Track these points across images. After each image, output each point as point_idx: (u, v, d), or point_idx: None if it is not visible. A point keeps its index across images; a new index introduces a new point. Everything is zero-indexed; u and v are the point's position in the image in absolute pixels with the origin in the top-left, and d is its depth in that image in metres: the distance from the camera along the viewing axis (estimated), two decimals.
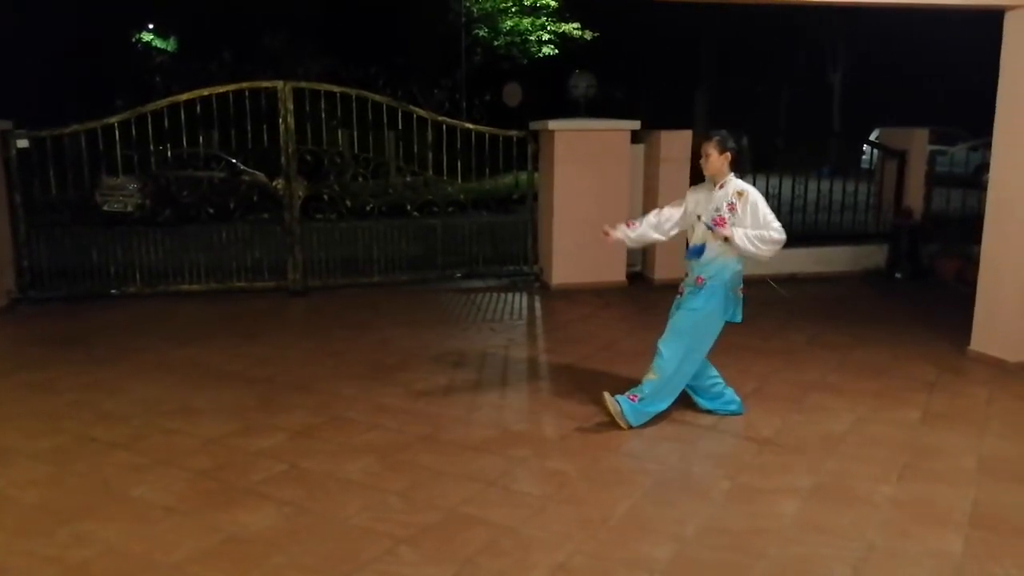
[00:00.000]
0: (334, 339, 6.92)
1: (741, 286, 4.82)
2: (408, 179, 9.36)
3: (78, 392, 5.48)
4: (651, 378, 4.76)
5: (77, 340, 6.85)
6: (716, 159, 4.71)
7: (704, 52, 27.76)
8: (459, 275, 9.21)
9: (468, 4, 24.46)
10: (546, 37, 24.83)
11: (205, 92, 8.18)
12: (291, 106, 8.36)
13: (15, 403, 5.31)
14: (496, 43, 25.13)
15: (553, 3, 24.14)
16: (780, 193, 9.92)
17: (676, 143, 9.11)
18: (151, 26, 25.94)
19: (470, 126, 9.06)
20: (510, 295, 8.75)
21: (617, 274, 9.03)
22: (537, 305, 8.42)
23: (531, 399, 5.48)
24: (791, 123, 28.78)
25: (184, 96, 8.17)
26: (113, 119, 8.09)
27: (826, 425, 4.94)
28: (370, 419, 4.99)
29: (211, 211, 8.90)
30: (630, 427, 4.74)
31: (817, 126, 27.93)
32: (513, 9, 24.79)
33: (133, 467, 4.28)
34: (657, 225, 4.99)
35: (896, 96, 25.95)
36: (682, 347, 4.73)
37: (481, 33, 25.04)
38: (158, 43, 26.32)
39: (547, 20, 24.84)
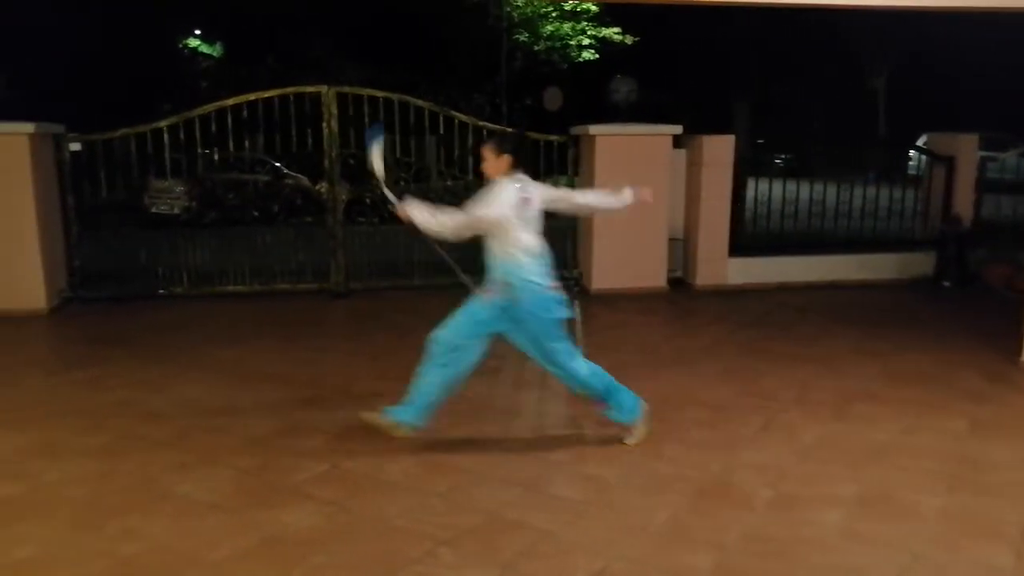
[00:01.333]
0: (375, 341, 6.98)
1: (507, 282, 4.68)
2: (449, 183, 9.41)
3: (125, 391, 5.59)
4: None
5: (125, 339, 7.00)
6: (492, 162, 4.52)
7: (745, 56, 27.52)
8: None
9: (509, 9, 24.52)
10: (586, 42, 24.77)
11: (251, 97, 8.33)
12: (335, 111, 8.46)
13: (65, 400, 5.44)
14: (536, 48, 25.15)
15: (594, 8, 24.09)
16: (824, 199, 9.83)
17: (718, 148, 9.05)
18: (198, 32, 26.39)
19: (510, 131, 9.08)
20: None
21: (658, 279, 8.99)
22: (576, 310, 8.37)
23: (570, 404, 5.46)
24: (835, 128, 28.36)
25: (231, 101, 8.32)
26: (162, 123, 8.28)
27: (869, 434, 4.86)
28: None
29: (256, 214, 9.05)
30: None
31: (862, 131, 27.53)
32: (553, 14, 24.79)
33: (178, 465, 4.36)
34: None
35: (945, 100, 25.45)
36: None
37: (521, 38, 25.07)
38: (205, 48, 26.78)
39: (587, 24, 24.80)
